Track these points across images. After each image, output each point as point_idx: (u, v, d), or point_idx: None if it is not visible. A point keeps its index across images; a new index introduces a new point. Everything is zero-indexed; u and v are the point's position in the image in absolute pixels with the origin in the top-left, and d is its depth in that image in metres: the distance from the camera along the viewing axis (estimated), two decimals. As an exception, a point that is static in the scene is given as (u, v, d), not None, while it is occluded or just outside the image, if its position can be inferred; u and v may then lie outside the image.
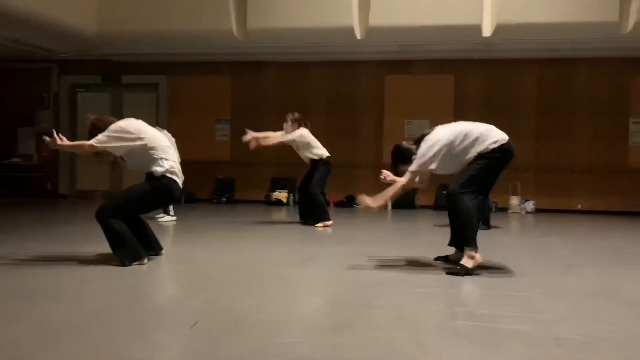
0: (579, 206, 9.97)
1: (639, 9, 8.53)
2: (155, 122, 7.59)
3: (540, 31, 8.88)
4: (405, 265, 4.59)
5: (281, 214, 9.17)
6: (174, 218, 7.56)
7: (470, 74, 10.27)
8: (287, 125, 7.29)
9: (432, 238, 6.25)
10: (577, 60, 9.77)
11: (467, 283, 3.93)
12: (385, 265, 4.56)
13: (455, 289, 3.79)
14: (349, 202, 10.43)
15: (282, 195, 10.45)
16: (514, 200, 9.94)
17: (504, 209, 9.98)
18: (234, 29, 9.26)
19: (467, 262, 4.10)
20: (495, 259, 4.66)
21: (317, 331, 2.82)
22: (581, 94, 9.87)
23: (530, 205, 9.88)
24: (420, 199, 10.37)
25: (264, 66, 10.82)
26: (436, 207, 10.17)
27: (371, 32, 9.22)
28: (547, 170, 10.01)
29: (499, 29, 8.96)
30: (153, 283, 4.02)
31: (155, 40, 9.50)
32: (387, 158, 10.18)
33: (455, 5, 8.90)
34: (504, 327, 2.86)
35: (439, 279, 4.02)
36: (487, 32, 9.06)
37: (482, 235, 4.45)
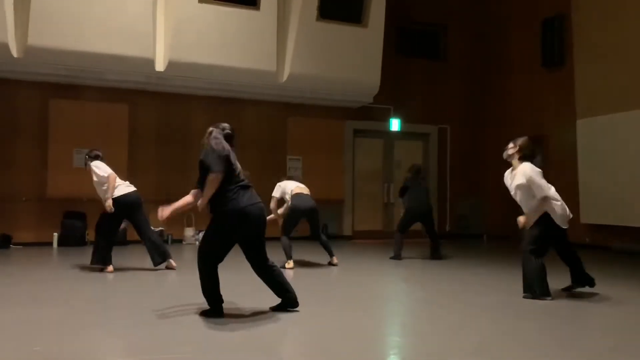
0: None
1: (292, 63, 9.97)
2: None
3: (210, 71, 9.48)
4: None
5: None
6: None
7: (145, 105, 10.15)
8: None
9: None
10: (244, 101, 10.70)
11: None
12: None
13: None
14: (4, 243, 8.95)
15: None
16: (189, 232, 10.17)
17: (179, 241, 10.11)
18: None
19: None
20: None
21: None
22: (248, 132, 10.80)
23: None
24: (92, 234, 9.60)
25: None
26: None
27: (31, 51, 8.32)
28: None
29: (171, 65, 9.19)
30: None
31: None
32: (53, 190, 9.33)
33: (129, 37, 8.79)
34: None
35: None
36: (160, 66, 9.21)
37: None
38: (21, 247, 9.01)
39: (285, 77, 10.07)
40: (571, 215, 5.21)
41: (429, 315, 4.54)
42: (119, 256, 7.05)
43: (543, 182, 5.01)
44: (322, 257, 8.01)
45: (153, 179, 9.67)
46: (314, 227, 7.28)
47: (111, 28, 8.66)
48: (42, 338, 3.57)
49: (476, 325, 4.12)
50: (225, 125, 4.37)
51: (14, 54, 8.32)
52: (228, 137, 4.30)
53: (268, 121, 10.94)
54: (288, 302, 4.33)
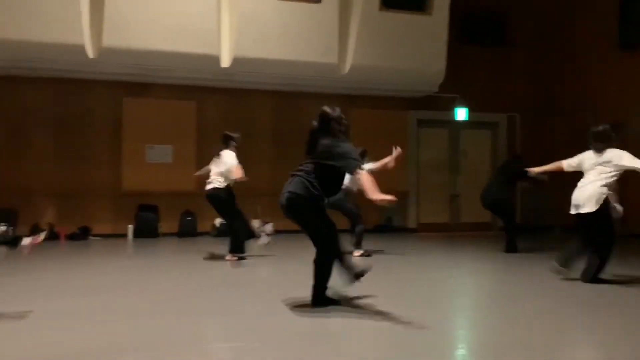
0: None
1: (354, 55, 9.91)
2: None
3: (273, 66, 9.58)
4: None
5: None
6: None
7: (212, 101, 10.43)
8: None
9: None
10: (307, 94, 10.73)
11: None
12: None
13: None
14: (83, 235, 9.49)
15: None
16: (255, 223, 10.36)
17: (246, 233, 10.32)
18: None
19: None
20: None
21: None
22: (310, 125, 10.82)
23: (269, 227, 10.41)
24: (163, 227, 10.03)
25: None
26: (181, 234, 9.98)
27: (105, 52, 8.72)
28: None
29: (236, 61, 9.37)
30: None
31: None
32: (127, 184, 9.79)
33: (194, 35, 9.02)
34: None
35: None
36: (225, 63, 9.40)
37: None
38: (99, 238, 9.52)
39: (347, 69, 10.02)
40: (572, 208, 5.38)
41: (497, 309, 4.40)
42: (191, 246, 7.29)
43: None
44: (386, 249, 7.96)
45: (220, 172, 9.92)
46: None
47: (178, 27, 8.92)
48: (117, 325, 3.75)
49: (545, 320, 3.95)
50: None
51: (90, 55, 8.74)
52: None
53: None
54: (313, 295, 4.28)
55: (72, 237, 9.38)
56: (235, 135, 7.02)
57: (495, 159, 11.78)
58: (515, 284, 5.53)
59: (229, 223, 7.05)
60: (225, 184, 6.80)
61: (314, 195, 4.11)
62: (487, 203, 7.97)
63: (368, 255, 7.31)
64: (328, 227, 4.22)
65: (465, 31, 11.79)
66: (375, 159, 11.03)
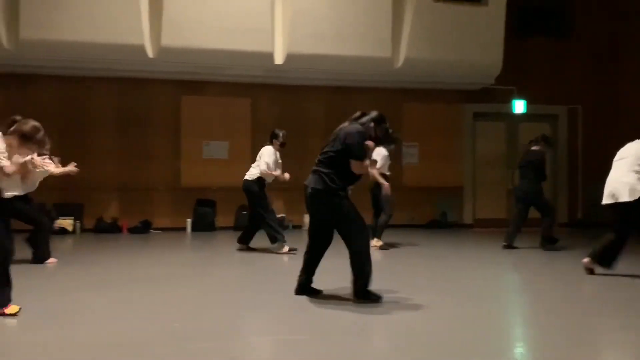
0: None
1: (408, 47, 9.79)
2: None
3: (326, 62, 9.61)
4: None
5: (65, 244, 8.25)
6: None
7: (266, 98, 10.59)
8: None
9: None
10: (359, 89, 10.69)
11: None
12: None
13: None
14: (144, 228, 9.86)
15: (66, 222, 9.45)
16: (308, 218, 10.41)
17: (299, 226, 10.41)
18: (3, 39, 8.30)
19: None
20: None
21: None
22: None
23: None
24: (220, 220, 10.28)
25: (37, 79, 9.63)
26: (237, 227, 10.17)
27: (163, 52, 9.01)
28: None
29: (289, 58, 9.46)
30: None
31: None
32: (186, 179, 10.09)
33: (248, 33, 9.17)
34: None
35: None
36: (279, 60, 9.51)
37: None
38: (159, 232, 9.86)
39: (400, 63, 9.92)
40: (604, 198, 5.41)
41: (552, 307, 4.26)
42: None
43: None
44: (439, 244, 7.85)
45: (274, 167, 10.07)
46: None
47: (233, 25, 9.10)
48: (180, 315, 3.88)
49: (601, 319, 3.81)
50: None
51: (149, 54, 9.06)
52: None
53: (383, 108, 10.66)
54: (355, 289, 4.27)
55: (134, 231, 9.77)
56: (279, 132, 7.12)
57: (555, 153, 11.37)
58: (565, 281, 5.34)
59: (253, 214, 7.08)
60: (257, 177, 6.95)
61: (331, 188, 4.17)
62: (517, 196, 7.74)
63: (385, 249, 7.37)
64: (354, 217, 4.21)
65: (522, 21, 11.41)
66: (430, 153, 10.96)
